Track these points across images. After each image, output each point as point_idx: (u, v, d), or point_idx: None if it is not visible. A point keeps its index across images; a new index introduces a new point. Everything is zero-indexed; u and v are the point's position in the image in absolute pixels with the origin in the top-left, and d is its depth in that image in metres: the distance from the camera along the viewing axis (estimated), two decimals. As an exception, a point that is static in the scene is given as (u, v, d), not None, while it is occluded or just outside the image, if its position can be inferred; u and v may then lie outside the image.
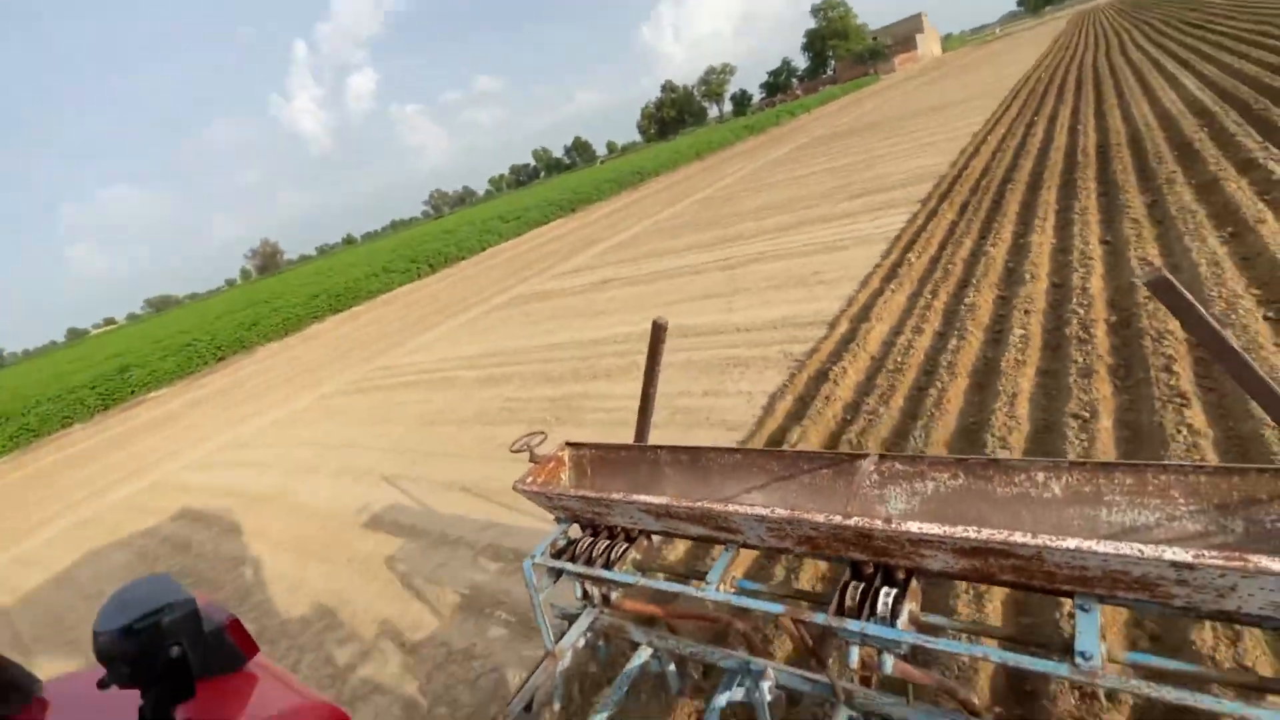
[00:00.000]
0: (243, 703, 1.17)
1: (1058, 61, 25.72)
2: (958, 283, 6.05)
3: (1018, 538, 1.28)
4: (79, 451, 13.77)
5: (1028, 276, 5.50)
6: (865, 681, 1.79)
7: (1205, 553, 1.12)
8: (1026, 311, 4.92)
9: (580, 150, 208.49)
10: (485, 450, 5.94)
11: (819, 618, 1.60)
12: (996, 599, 2.60)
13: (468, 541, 4.41)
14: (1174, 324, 4.09)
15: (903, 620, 1.51)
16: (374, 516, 5.33)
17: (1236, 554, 1.10)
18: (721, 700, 1.95)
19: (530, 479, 2.37)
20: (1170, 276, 1.30)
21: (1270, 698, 1.66)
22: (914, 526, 1.41)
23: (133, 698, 1.08)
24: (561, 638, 2.34)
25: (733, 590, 1.86)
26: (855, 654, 1.65)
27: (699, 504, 1.79)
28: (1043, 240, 6.30)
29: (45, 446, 15.97)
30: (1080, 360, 4.04)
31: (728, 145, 44.93)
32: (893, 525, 1.43)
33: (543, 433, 2.51)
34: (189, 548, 6.04)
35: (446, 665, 3.32)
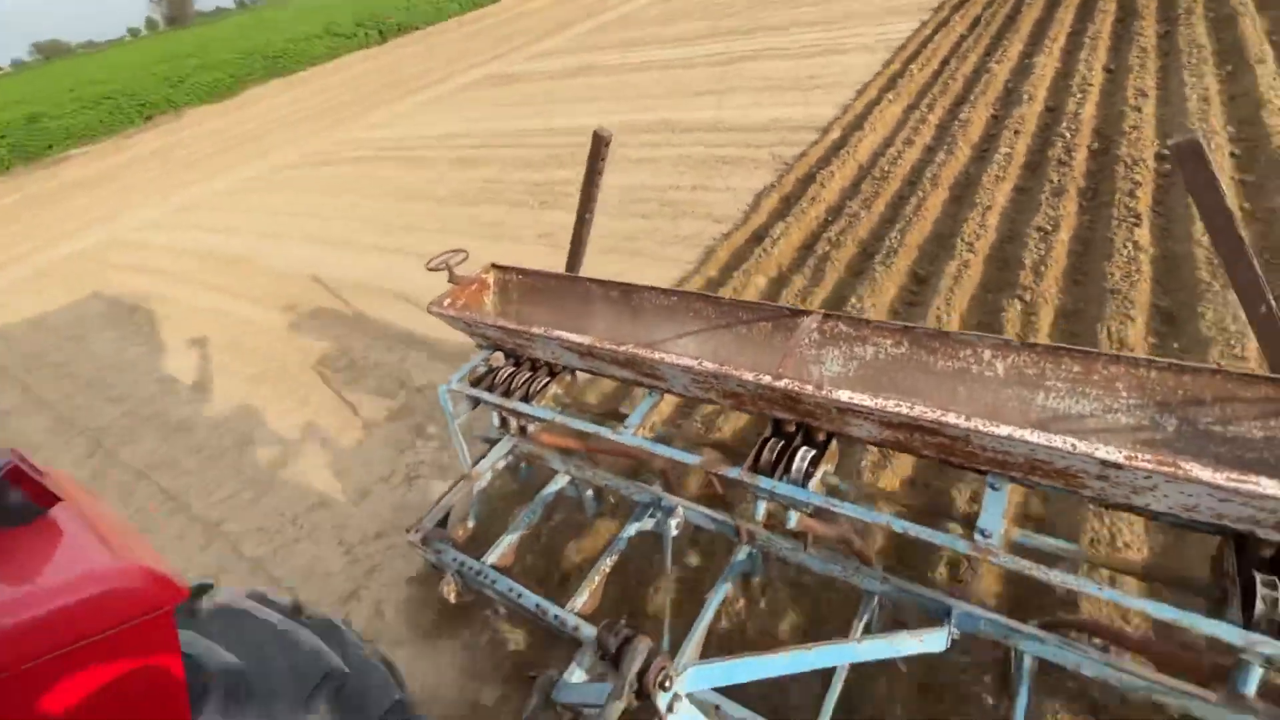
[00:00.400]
0: (26, 564, 0.98)
1: None
2: (955, 99, 5.97)
3: (951, 419, 1.23)
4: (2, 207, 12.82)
5: (1025, 98, 5.48)
6: (768, 526, 1.81)
7: (1138, 455, 1.08)
8: (1016, 132, 5.00)
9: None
10: (467, 227, 5.96)
11: (734, 472, 1.59)
12: (903, 463, 2.63)
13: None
14: (1148, 153, 4.29)
15: (815, 482, 1.51)
16: (359, 283, 5.45)
17: (1169, 459, 1.07)
18: (632, 530, 2.02)
19: (449, 301, 2.19)
20: (1203, 143, 1.21)
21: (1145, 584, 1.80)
22: (844, 395, 1.35)
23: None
24: (480, 460, 2.34)
25: (651, 436, 1.85)
26: (763, 508, 1.68)
27: (624, 348, 1.70)
28: (1048, 62, 6.16)
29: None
30: (1055, 180, 4.25)
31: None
32: (823, 392, 1.37)
33: (464, 251, 2.34)
34: (166, 300, 6.09)
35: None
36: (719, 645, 2.10)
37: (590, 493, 2.38)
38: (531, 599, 1.90)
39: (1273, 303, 1.30)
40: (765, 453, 1.59)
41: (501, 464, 2.41)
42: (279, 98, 16.76)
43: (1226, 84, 5.00)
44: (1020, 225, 3.96)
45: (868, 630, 1.71)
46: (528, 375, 2.11)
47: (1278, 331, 1.32)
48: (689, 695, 1.34)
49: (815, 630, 2.10)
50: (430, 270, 2.27)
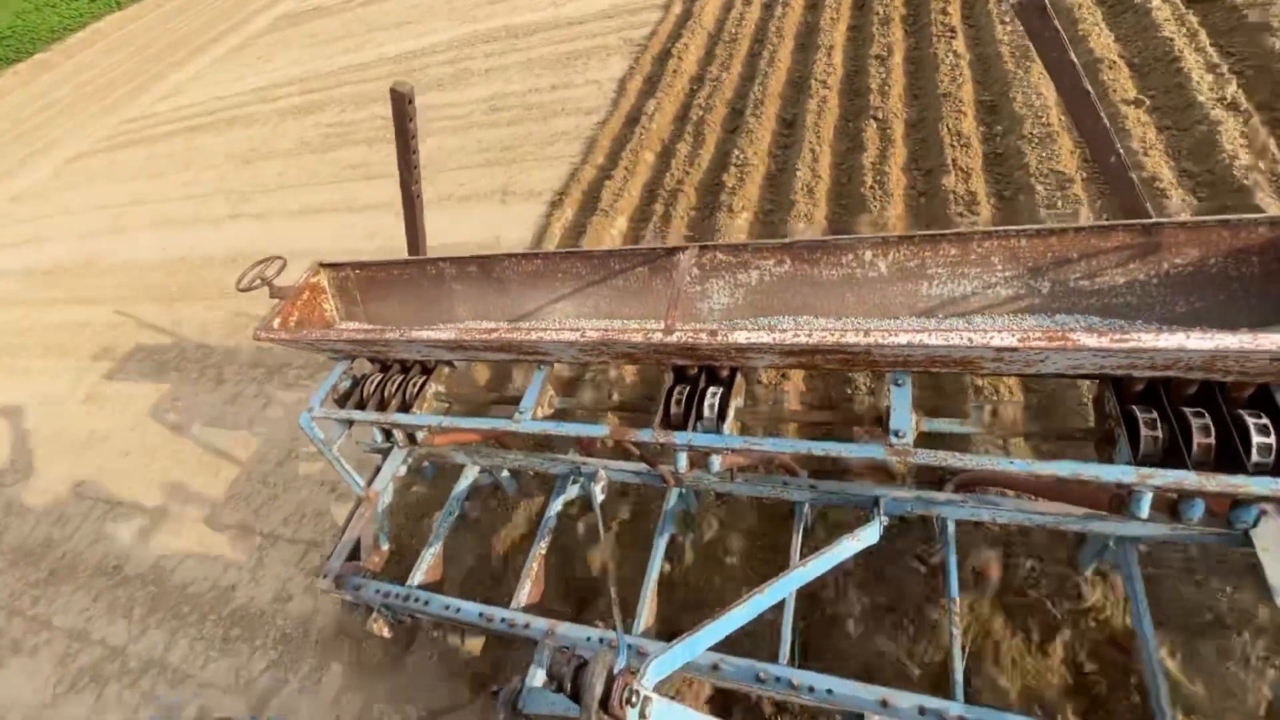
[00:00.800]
0: None
1: None
2: None
3: (850, 338, 1.24)
4: None
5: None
6: (691, 463, 1.74)
7: (1030, 334, 1.12)
8: (840, -26, 5.36)
9: None
10: (334, 172, 5.63)
11: (646, 434, 1.55)
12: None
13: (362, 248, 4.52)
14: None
15: (729, 422, 1.51)
16: (234, 254, 5.08)
17: (1059, 333, 1.11)
18: (558, 505, 1.94)
19: (278, 321, 1.90)
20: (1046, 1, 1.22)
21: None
22: (741, 337, 1.33)
23: None
24: (374, 478, 2.11)
25: (549, 413, 1.78)
26: (684, 459, 1.64)
27: (497, 334, 1.59)
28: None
29: None
30: (880, 12, 4.69)
31: None
32: (718, 338, 1.35)
33: (280, 259, 2.04)
34: (11, 331, 5.36)
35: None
36: (674, 594, 2.06)
37: (506, 473, 2.22)
38: (473, 609, 1.76)
39: (1120, 151, 1.37)
40: (673, 405, 1.55)
41: (402, 472, 2.19)
42: (31, 86, 14.06)
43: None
44: (861, 58, 4.39)
45: (807, 536, 1.76)
46: (400, 378, 1.90)
47: (1127, 178, 1.40)
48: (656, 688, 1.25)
49: (760, 547, 2.11)
50: (242, 291, 1.95)
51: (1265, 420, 1.13)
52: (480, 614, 1.75)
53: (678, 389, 1.58)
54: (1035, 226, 1.44)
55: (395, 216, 4.48)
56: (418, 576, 1.93)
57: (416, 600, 1.83)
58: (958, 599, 1.55)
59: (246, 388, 3.76)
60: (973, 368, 1.29)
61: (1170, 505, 1.27)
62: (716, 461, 1.58)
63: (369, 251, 4.48)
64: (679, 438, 1.50)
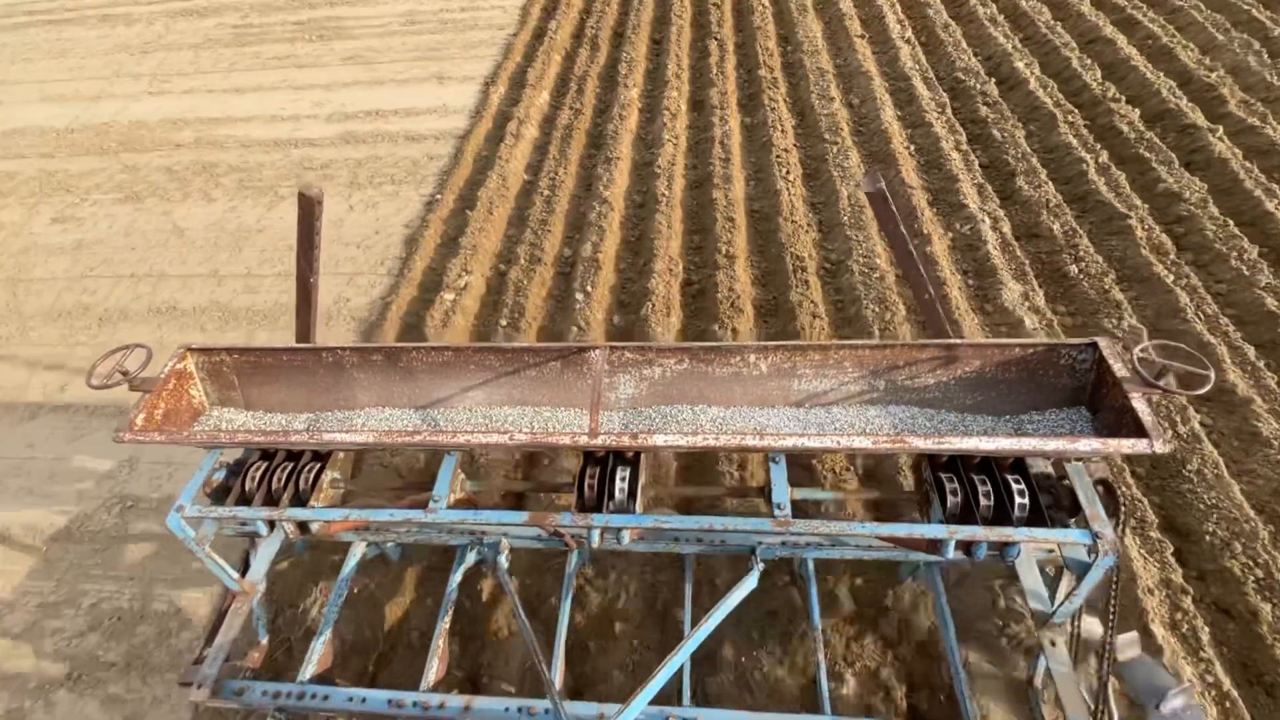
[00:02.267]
0: None
1: None
2: None
3: (750, 441, 1.52)
4: None
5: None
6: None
7: (879, 438, 1.53)
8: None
9: None
10: (252, 63, 6.28)
11: (565, 518, 1.62)
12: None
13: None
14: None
15: (639, 500, 1.65)
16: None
17: (899, 437, 1.60)
18: (458, 576, 1.94)
19: (143, 418, 1.75)
20: (885, 189, 1.59)
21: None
22: (660, 439, 1.54)
23: None
24: (246, 567, 1.94)
25: (465, 499, 1.81)
26: (596, 536, 1.70)
27: (420, 436, 1.62)
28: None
29: None
30: (714, -21, 6.62)
31: None
32: (639, 440, 1.54)
33: (143, 346, 1.84)
34: None
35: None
36: (580, 645, 2.14)
37: (390, 544, 2.14)
38: (380, 697, 1.69)
39: (932, 291, 1.80)
40: (587, 488, 1.66)
41: (278, 562, 2.03)
42: None
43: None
44: (704, 3, 6.25)
45: (695, 588, 2.05)
46: (290, 466, 1.78)
47: (935, 311, 1.85)
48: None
49: (652, 596, 2.26)
50: (94, 388, 1.74)
51: (1022, 484, 1.59)
52: (389, 701, 1.68)
53: (589, 471, 1.69)
54: (875, 341, 1.98)
55: (344, 93, 5.45)
56: (309, 669, 1.79)
57: (314, 697, 1.69)
58: (819, 625, 1.90)
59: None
60: (834, 455, 1.81)
61: (965, 546, 1.60)
62: (627, 535, 1.69)
63: (318, 120, 5.37)
64: (596, 519, 1.61)
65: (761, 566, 1.77)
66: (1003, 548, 1.59)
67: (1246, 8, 5.01)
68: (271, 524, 1.79)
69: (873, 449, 1.52)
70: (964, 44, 5.19)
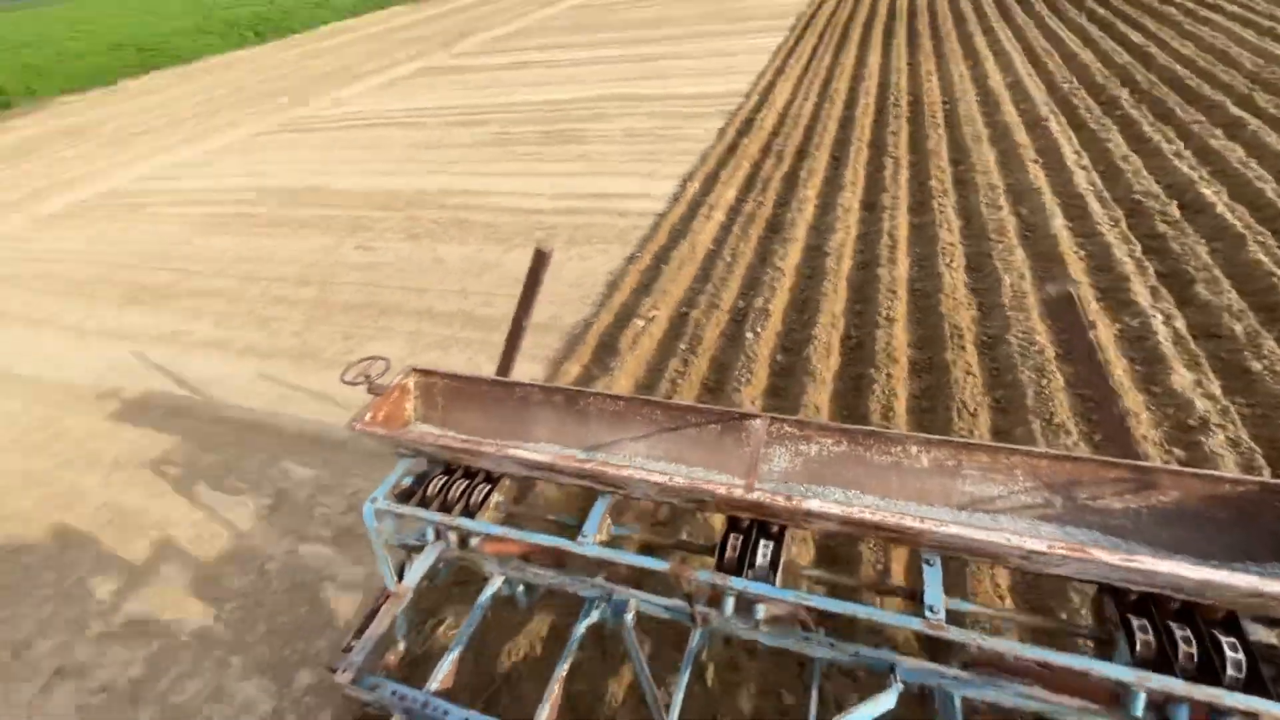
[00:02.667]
0: None
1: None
2: (824, 80, 9.20)
3: (908, 521, 1.41)
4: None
5: (866, 75, 8.82)
6: (715, 603, 1.77)
7: (1055, 543, 1.33)
8: (867, 92, 8.25)
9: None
10: (508, 159, 8.03)
11: (705, 575, 1.63)
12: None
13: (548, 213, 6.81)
14: (940, 96, 7.65)
15: (779, 576, 1.61)
16: (450, 188, 7.32)
17: (1079, 545, 1.33)
18: (582, 628, 1.94)
19: (370, 416, 2.04)
20: (1074, 293, 1.53)
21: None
22: (814, 505, 1.49)
23: None
24: (403, 573, 2.09)
25: (608, 541, 1.84)
26: (731, 604, 1.69)
27: (589, 465, 1.72)
28: (875, 58, 9.66)
29: None
30: (894, 115, 7.46)
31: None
32: (793, 502, 1.51)
33: (383, 359, 2.18)
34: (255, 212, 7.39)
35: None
36: None
37: (521, 588, 2.22)
38: None
39: (1121, 404, 1.71)
40: (729, 550, 1.66)
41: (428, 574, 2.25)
42: (186, 85, 16.72)
43: (972, 70, 8.67)
44: (882, 135, 7.05)
45: (821, 696, 1.83)
46: (465, 484, 1.98)
47: (1125, 431, 1.73)
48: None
49: (769, 700, 2.17)
50: (346, 384, 2.09)
51: (1235, 641, 1.32)
52: None
53: (733, 537, 1.69)
54: (1054, 451, 1.70)
55: (573, 180, 6.79)
56: (434, 683, 1.87)
57: (435, 709, 1.77)
58: None
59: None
60: (1000, 561, 1.46)
61: (1157, 706, 1.35)
62: (761, 610, 1.66)
63: (550, 197, 6.73)
64: (735, 582, 1.59)
65: (900, 687, 1.59)
66: (1209, 715, 1.30)
67: None
68: (438, 532, 2.01)
69: (1048, 552, 1.33)
70: (1144, 171, 5.38)
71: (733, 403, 3.52)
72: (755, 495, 1.54)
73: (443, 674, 1.90)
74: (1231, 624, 1.37)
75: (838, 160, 6.60)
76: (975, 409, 3.31)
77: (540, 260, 2.10)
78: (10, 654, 2.83)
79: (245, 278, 5.98)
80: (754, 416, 1.88)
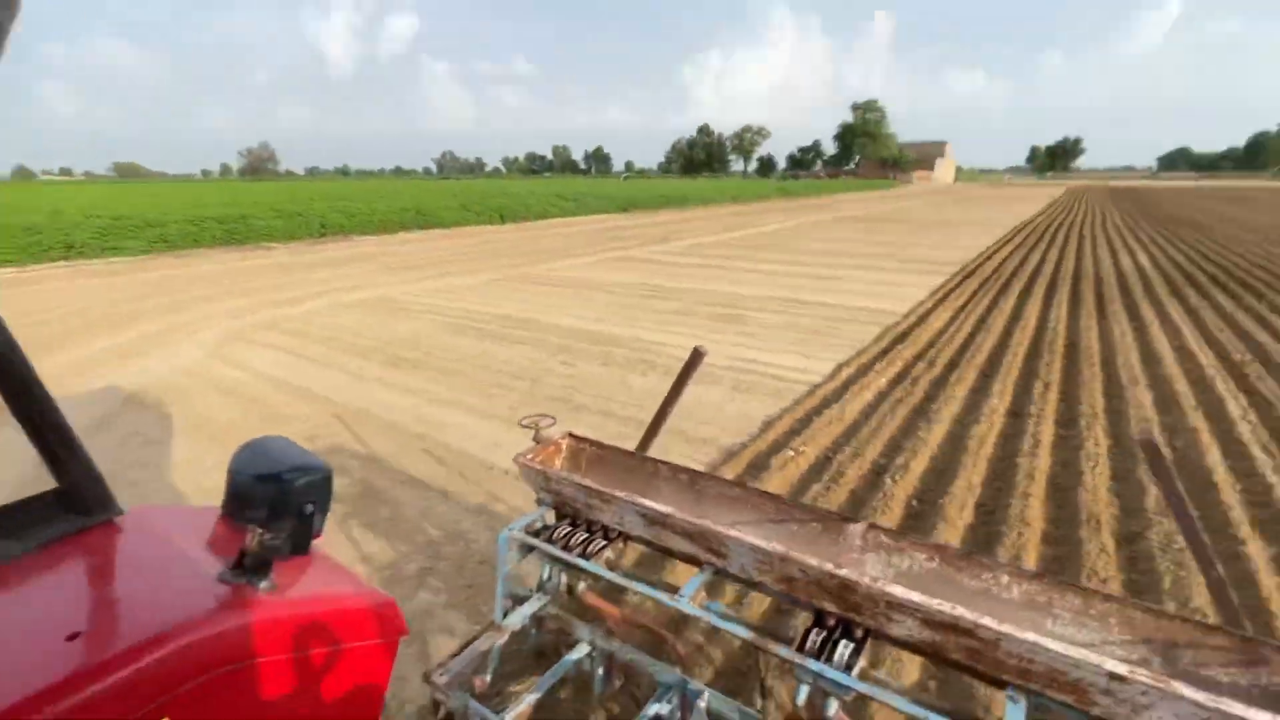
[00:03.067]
0: (314, 580, 1.28)
1: (1056, 217, 31.32)
2: (979, 316, 10.06)
3: (986, 621, 1.41)
4: (279, 263, 16.42)
5: (1024, 319, 9.55)
6: (791, 717, 1.79)
7: (1137, 670, 1.28)
8: (1023, 328, 8.93)
9: (599, 160, 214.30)
10: (686, 321, 9.57)
11: (784, 651, 1.66)
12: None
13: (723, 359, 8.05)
14: (1098, 344, 8.11)
15: (856, 672, 1.60)
16: (623, 337, 8.87)
17: (1162, 676, 1.27)
18: (651, 711, 2.01)
19: (531, 455, 2.38)
20: (1157, 440, 1.57)
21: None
22: (897, 590, 1.51)
23: (194, 539, 1.27)
24: (509, 614, 2.31)
25: (702, 608, 1.91)
26: (805, 692, 1.70)
27: (700, 521, 1.86)
28: (1034, 308, 10.43)
29: (198, 256, 18.40)
30: (1049, 351, 8.01)
31: (762, 199, 49.87)
32: (877, 584, 1.53)
33: (552, 418, 2.53)
34: (534, 322, 9.38)
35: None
36: None
37: (601, 671, 2.34)
38: None
39: (1220, 567, 1.65)
40: (809, 640, 1.70)
41: (528, 621, 2.39)
42: (448, 242, 21.59)
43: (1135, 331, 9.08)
44: (1034, 363, 7.59)
45: None
46: (584, 536, 2.19)
47: (1226, 591, 1.68)
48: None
49: None
50: (522, 426, 2.47)
51: None
52: None
53: (815, 629, 1.73)
54: (1153, 606, 1.65)
55: (739, 349, 8.01)
56: (509, 716, 2.03)
57: None
58: None
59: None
60: (1084, 700, 1.38)
61: None
62: (834, 705, 1.66)
63: (719, 357, 7.91)
64: (812, 664, 1.62)
65: None
66: None
67: None
68: (543, 586, 2.31)
69: (1127, 676, 1.29)
70: (1319, 436, 5.37)
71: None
72: (843, 571, 1.59)
73: (519, 711, 2.08)
74: None
75: (987, 376, 7.19)
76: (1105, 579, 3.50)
77: (695, 357, 2.42)
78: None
79: (475, 365, 7.62)
80: (854, 521, 1.98)
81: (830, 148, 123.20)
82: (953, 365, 7.53)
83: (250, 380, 7.20)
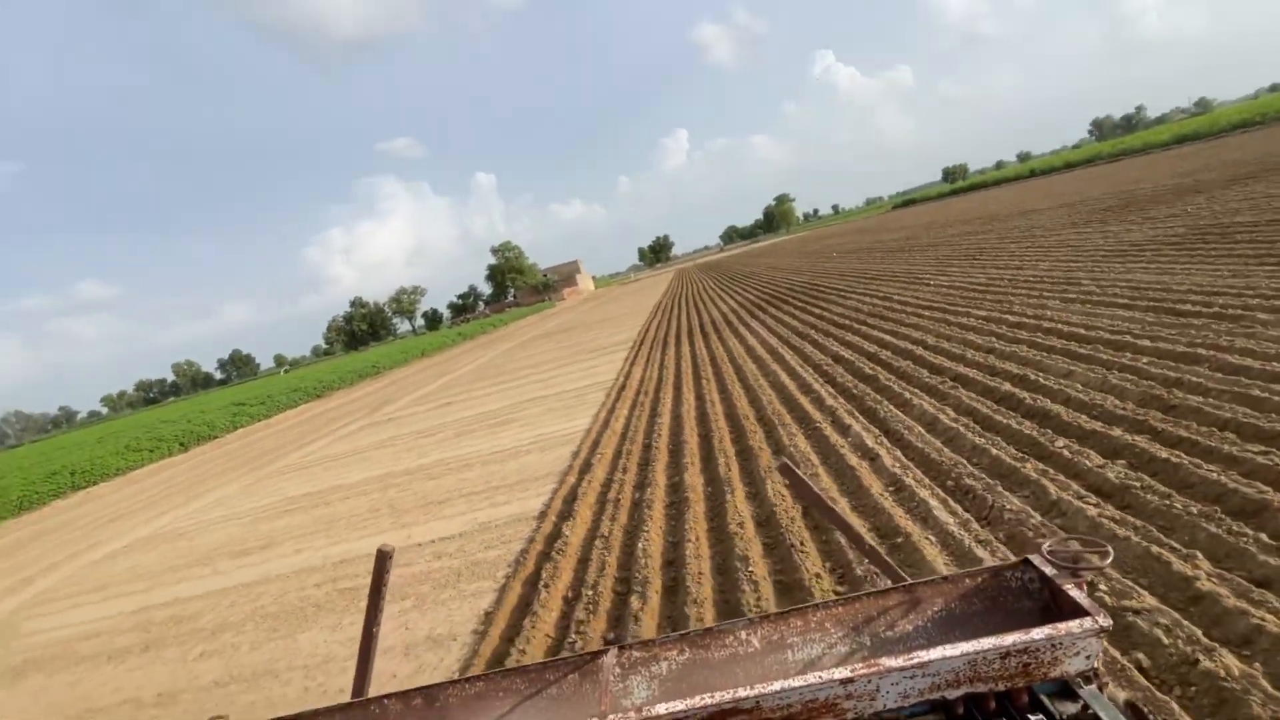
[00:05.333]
0: None
1: (675, 293, 41.58)
2: (653, 399, 14.66)
3: (741, 692, 1.54)
4: None
5: (680, 395, 14.53)
6: None
7: (857, 666, 1.47)
8: (680, 417, 13.72)
9: (240, 364, 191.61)
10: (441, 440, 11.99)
11: None
12: None
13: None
14: (717, 342, 13.21)
15: None
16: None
17: (874, 662, 1.48)
18: None
19: None
20: (790, 463, 1.84)
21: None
22: (661, 708, 1.57)
23: None
24: None
25: None
26: None
27: None
28: (685, 353, 15.64)
29: None
30: (688, 346, 12.79)
31: (448, 346, 53.03)
32: (643, 713, 1.58)
33: (224, 717, 2.00)
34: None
35: (538, 452, 9.79)
36: None
37: None
38: None
39: (870, 542, 2.01)
40: None
41: None
42: (135, 485, 19.06)
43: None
44: (690, 345, 12.20)
45: None
46: None
47: (882, 558, 2.00)
48: None
49: None
50: None
51: None
52: None
53: None
54: (845, 595, 2.08)
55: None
56: None
57: None
58: None
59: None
60: (839, 713, 1.53)
61: None
62: None
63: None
64: None
65: None
66: None
67: None
68: None
69: (853, 676, 1.48)
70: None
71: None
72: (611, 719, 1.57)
73: None
74: (1040, 710, 1.52)
75: (667, 347, 11.43)
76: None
77: (381, 562, 2.08)
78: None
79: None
80: (602, 653, 1.97)
81: (485, 288, 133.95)
82: (665, 346, 11.64)
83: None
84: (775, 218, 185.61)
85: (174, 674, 5.58)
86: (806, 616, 1.93)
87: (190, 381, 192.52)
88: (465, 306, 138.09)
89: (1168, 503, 3.97)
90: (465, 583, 5.72)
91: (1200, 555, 3.46)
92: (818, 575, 4.31)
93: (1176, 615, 3.08)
